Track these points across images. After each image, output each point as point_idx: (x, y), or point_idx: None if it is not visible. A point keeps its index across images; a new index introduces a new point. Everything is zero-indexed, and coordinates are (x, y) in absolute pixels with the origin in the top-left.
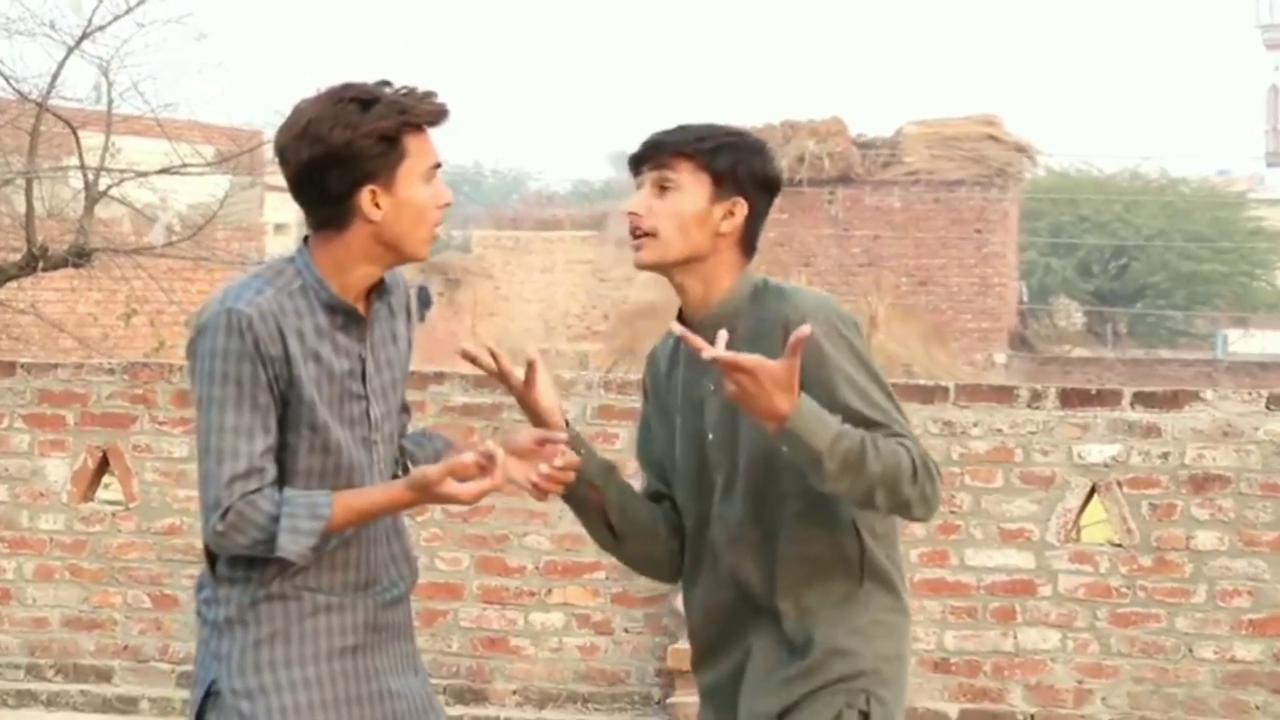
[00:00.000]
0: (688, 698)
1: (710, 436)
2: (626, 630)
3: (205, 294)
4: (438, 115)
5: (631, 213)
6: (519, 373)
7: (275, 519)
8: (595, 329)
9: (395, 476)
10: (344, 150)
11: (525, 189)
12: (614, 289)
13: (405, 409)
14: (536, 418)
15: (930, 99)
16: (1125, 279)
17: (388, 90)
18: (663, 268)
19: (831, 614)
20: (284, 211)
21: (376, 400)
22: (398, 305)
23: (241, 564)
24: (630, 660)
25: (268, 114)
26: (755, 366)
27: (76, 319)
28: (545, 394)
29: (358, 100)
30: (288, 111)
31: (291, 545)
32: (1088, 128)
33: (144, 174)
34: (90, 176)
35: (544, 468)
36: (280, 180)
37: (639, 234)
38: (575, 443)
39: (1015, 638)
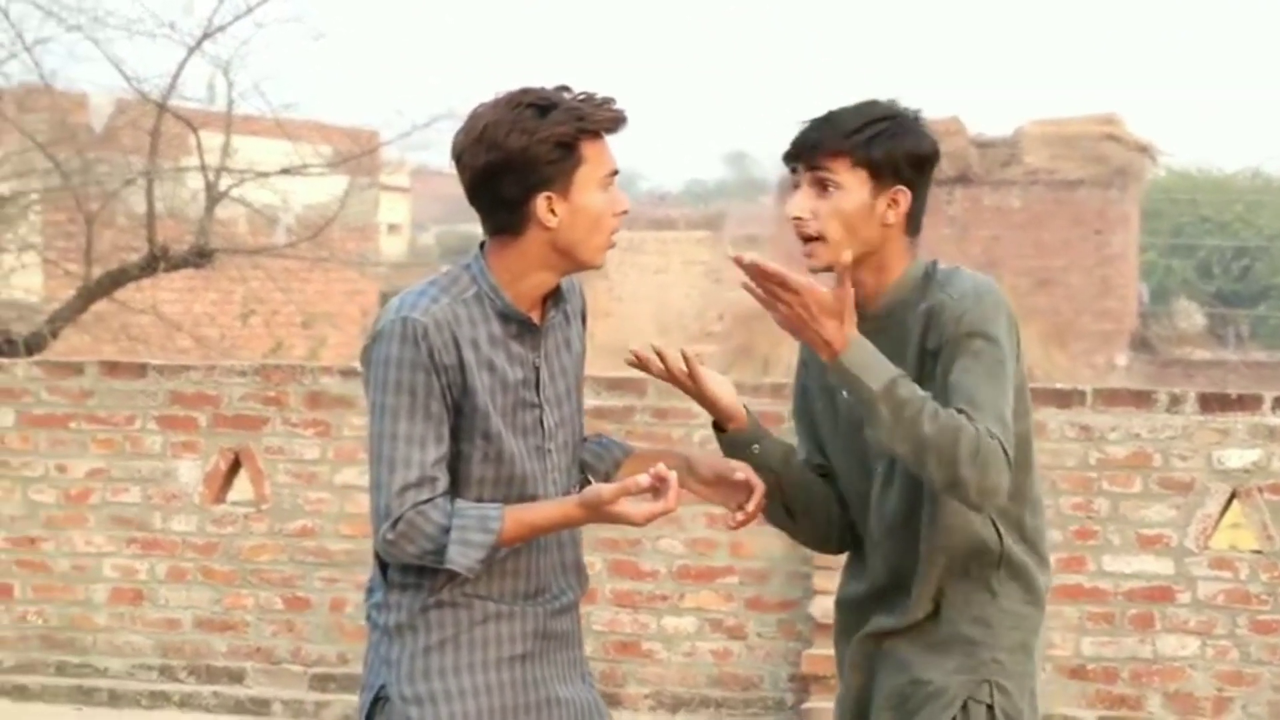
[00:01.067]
0: (821, 703)
1: None
2: (760, 635)
3: (321, 294)
4: (615, 122)
5: (796, 218)
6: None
7: (446, 530)
8: (710, 330)
9: (569, 490)
10: (520, 156)
11: (637, 188)
12: (729, 290)
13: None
14: (716, 411)
15: (1050, 98)
16: (1247, 280)
17: (566, 96)
18: (836, 270)
19: (960, 601)
20: (397, 212)
21: (551, 408)
22: (572, 311)
23: (413, 571)
24: (763, 665)
25: (386, 113)
26: (803, 287)
27: (192, 319)
28: (717, 388)
29: (535, 106)
30: (465, 117)
31: (461, 558)
32: (1209, 127)
33: (265, 174)
34: (210, 177)
35: (739, 515)
36: (394, 180)
37: (807, 239)
38: (755, 432)
39: (1153, 645)
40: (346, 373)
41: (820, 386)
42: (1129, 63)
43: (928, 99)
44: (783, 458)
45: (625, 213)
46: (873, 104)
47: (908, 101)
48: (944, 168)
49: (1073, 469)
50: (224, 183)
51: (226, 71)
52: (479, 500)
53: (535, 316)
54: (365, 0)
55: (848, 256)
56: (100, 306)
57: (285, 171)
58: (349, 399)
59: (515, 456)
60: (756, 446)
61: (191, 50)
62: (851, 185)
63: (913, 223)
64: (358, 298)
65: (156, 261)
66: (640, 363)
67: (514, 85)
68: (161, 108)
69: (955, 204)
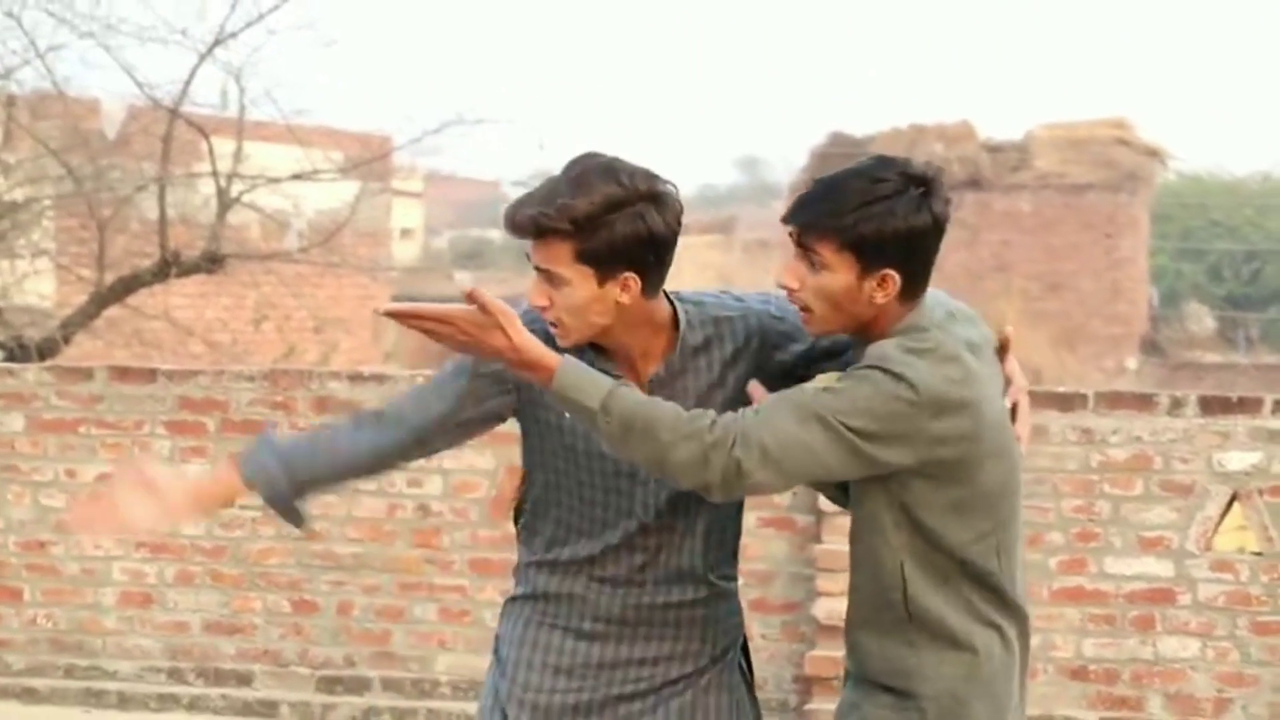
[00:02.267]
0: (824, 705)
1: None
2: (764, 637)
3: (334, 299)
4: (509, 226)
5: (785, 286)
6: None
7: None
8: None
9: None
10: None
11: None
12: None
13: None
14: None
15: (1060, 102)
16: (1258, 284)
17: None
18: (834, 334)
19: (878, 650)
20: (410, 216)
21: None
22: (721, 357)
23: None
24: (767, 667)
25: (398, 119)
26: (446, 314)
27: (205, 324)
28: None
29: None
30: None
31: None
32: (1219, 130)
33: (277, 180)
34: (222, 183)
35: None
36: (408, 185)
37: (799, 305)
38: None
39: (1154, 646)
40: (354, 377)
41: None
42: (1139, 67)
43: (938, 103)
44: None
45: (534, 308)
46: (881, 170)
47: (920, 105)
48: (954, 172)
49: (1074, 472)
50: (236, 188)
51: (238, 78)
52: (557, 527)
53: (641, 367)
54: (376, 7)
55: (465, 284)
56: (113, 312)
57: (297, 177)
58: (357, 403)
59: (580, 487)
60: None
61: (203, 57)
62: (837, 267)
63: (907, 295)
64: (370, 303)
65: (169, 267)
66: None
67: (527, 94)
68: (173, 114)
69: (965, 208)
